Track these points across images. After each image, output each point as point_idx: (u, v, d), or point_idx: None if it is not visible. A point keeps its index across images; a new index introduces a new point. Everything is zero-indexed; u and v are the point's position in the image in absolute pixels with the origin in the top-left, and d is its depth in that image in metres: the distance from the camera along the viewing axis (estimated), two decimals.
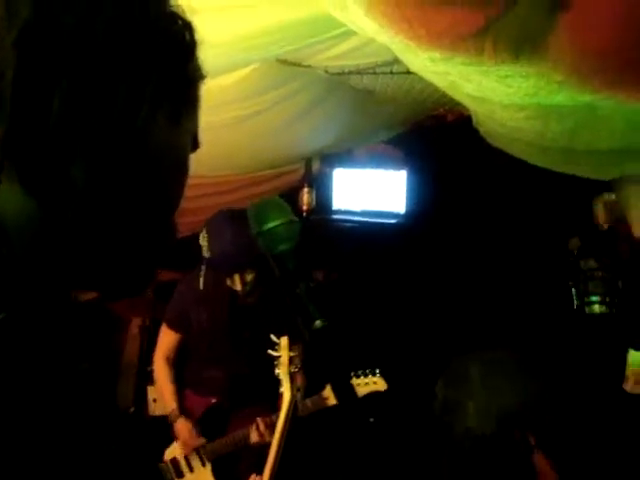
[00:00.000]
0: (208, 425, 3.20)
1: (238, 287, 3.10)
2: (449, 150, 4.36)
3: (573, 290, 3.10)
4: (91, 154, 0.63)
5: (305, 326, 0.90)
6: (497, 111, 2.47)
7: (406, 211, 4.45)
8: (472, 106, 2.82)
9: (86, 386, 0.68)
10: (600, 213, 3.33)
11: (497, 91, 1.92)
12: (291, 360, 2.22)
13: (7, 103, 0.58)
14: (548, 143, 3.02)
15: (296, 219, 0.98)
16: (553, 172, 3.55)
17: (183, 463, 3.17)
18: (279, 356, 2.24)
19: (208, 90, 2.65)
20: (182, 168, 0.75)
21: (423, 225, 4.41)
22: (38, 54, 0.59)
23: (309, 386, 3.07)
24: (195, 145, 0.78)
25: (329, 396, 2.98)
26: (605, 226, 3.28)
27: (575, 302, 3.08)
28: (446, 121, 4.13)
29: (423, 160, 4.47)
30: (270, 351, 2.27)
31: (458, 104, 3.32)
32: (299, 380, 2.25)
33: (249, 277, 3.09)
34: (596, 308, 2.99)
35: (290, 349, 2.24)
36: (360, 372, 3.00)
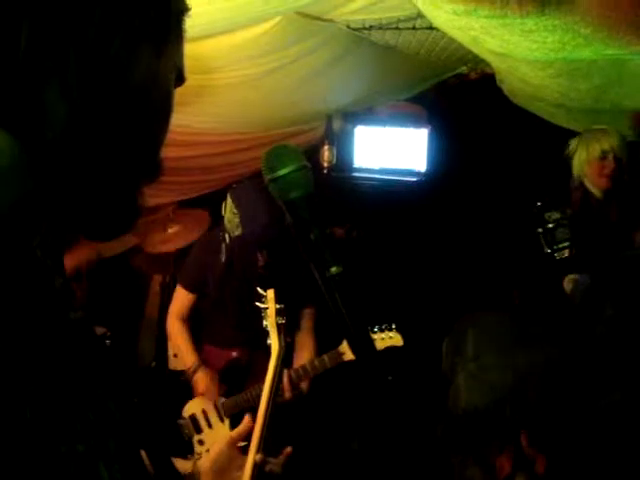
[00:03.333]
0: (226, 381, 3.22)
1: (262, 261, 3.06)
2: (471, 108, 4.30)
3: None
4: (67, 82, 0.61)
5: (320, 273, 0.90)
6: (521, 68, 2.43)
7: (427, 169, 4.41)
8: (495, 63, 2.78)
9: (78, 335, 0.67)
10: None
11: (521, 47, 1.88)
12: (278, 312, 2.22)
13: None
14: (573, 103, 2.98)
15: (309, 165, 0.96)
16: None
17: (202, 419, 3.20)
18: (266, 308, 2.25)
19: (229, 46, 2.63)
20: (166, 101, 0.73)
21: (444, 183, 4.38)
22: None
23: (325, 342, 3.08)
24: (180, 79, 0.76)
25: (346, 351, 2.99)
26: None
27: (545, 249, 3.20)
28: (469, 79, 4.07)
29: (445, 118, 4.42)
30: (257, 303, 2.27)
31: (481, 62, 3.27)
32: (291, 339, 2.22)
33: (275, 251, 3.01)
34: (566, 253, 3.17)
35: (277, 301, 2.24)
36: (376, 327, 3.00)
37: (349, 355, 2.95)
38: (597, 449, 1.41)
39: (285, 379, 2.89)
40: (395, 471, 3.49)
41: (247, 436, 1.51)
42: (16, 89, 0.60)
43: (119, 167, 0.69)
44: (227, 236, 3.08)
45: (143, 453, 0.76)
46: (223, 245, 3.11)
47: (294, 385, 2.95)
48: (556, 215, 3.17)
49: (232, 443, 1.44)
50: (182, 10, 0.73)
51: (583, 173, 3.26)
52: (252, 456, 1.49)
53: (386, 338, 2.99)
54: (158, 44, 0.68)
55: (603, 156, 3.16)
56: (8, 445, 0.53)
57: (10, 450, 0.53)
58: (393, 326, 3.02)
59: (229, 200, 3.03)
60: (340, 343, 3.00)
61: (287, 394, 2.88)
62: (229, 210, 3.01)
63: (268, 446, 1.53)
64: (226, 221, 3.05)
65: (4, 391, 0.54)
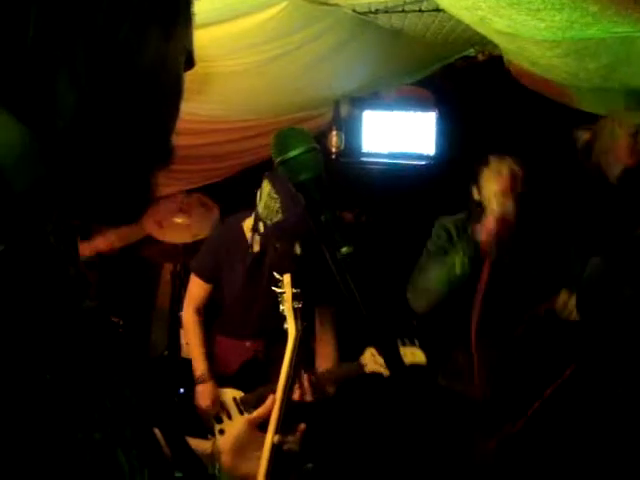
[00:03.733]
0: (246, 375, 3.21)
1: (298, 251, 3.01)
2: (479, 90, 4.28)
3: None
4: (76, 70, 0.61)
5: (331, 255, 0.90)
6: (529, 48, 2.41)
7: (435, 153, 4.40)
8: (503, 44, 2.75)
9: (92, 323, 0.67)
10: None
11: (528, 26, 1.87)
12: (294, 296, 2.21)
13: None
14: (582, 83, 2.95)
15: (317, 146, 0.96)
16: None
17: (222, 411, 3.20)
18: (283, 292, 2.25)
19: (235, 32, 2.62)
20: (176, 85, 0.73)
21: (452, 166, 4.36)
22: None
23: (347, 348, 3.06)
24: (190, 63, 0.76)
25: (368, 362, 2.96)
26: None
27: None
28: (476, 61, 4.04)
29: (452, 101, 4.40)
30: (274, 288, 2.27)
31: (489, 43, 3.24)
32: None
33: (310, 243, 2.96)
34: None
35: (293, 286, 2.24)
36: (399, 341, 2.93)
37: (371, 366, 2.94)
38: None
39: (306, 383, 2.88)
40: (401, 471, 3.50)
41: (267, 417, 1.53)
42: (25, 78, 0.59)
43: (131, 152, 0.68)
44: (262, 225, 3.01)
45: (158, 432, 0.77)
46: (256, 235, 3.04)
47: (316, 388, 2.93)
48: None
49: (252, 423, 1.46)
50: None
51: (609, 148, 3.19)
52: (270, 436, 1.50)
53: (408, 354, 2.93)
54: (167, 27, 0.68)
55: (636, 131, 3.11)
56: (26, 433, 0.53)
57: (27, 438, 0.53)
58: (416, 341, 2.98)
59: (266, 185, 2.95)
60: (362, 353, 2.99)
61: (308, 397, 2.85)
62: (266, 195, 2.93)
63: (285, 426, 1.54)
64: (261, 208, 2.97)
65: (20, 379, 0.54)
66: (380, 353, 2.63)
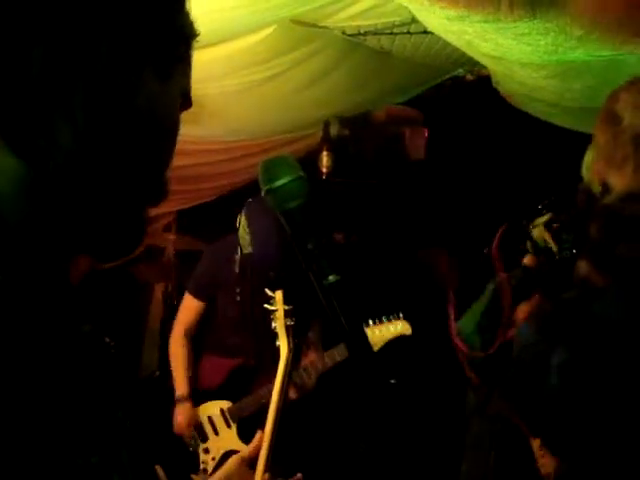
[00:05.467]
0: (233, 386, 3.21)
1: (272, 277, 2.99)
2: (468, 110, 4.31)
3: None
4: (74, 110, 0.63)
5: (318, 282, 0.91)
6: (516, 70, 2.44)
7: (426, 170, 4.41)
8: (490, 65, 2.79)
9: (89, 348, 0.68)
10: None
11: (515, 50, 1.90)
12: (286, 313, 2.21)
13: None
14: (568, 103, 2.99)
15: (304, 175, 0.97)
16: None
17: (207, 426, 3.19)
18: (275, 310, 2.25)
19: (225, 55, 2.64)
20: (172, 125, 0.74)
21: (443, 185, 4.39)
22: (14, 11, 0.60)
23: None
24: (187, 103, 0.78)
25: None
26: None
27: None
28: (465, 81, 4.08)
29: (442, 121, 4.43)
30: (266, 305, 2.27)
31: (477, 64, 3.28)
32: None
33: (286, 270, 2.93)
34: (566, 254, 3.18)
35: (285, 303, 2.24)
36: (383, 317, 2.97)
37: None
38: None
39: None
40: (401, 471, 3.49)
41: (258, 455, 1.50)
42: (24, 114, 0.62)
43: (125, 189, 0.70)
44: (240, 250, 3.07)
45: (160, 470, 0.77)
46: (237, 256, 3.10)
47: (299, 387, 2.95)
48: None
49: (243, 461, 1.44)
50: (190, 36, 0.74)
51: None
52: (260, 476, 1.49)
53: (393, 328, 2.98)
54: (163, 70, 0.69)
55: None
56: (28, 458, 0.54)
57: (30, 463, 0.54)
58: (400, 315, 3.00)
59: (243, 217, 3.01)
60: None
61: (292, 395, 2.86)
62: (242, 227, 3.01)
63: (276, 462, 1.52)
64: (240, 236, 3.04)
65: (20, 405, 0.55)
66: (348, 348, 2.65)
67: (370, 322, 2.97)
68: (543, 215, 2.80)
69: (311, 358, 3.08)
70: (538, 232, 3.10)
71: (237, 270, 3.10)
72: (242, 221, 3.01)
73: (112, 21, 0.64)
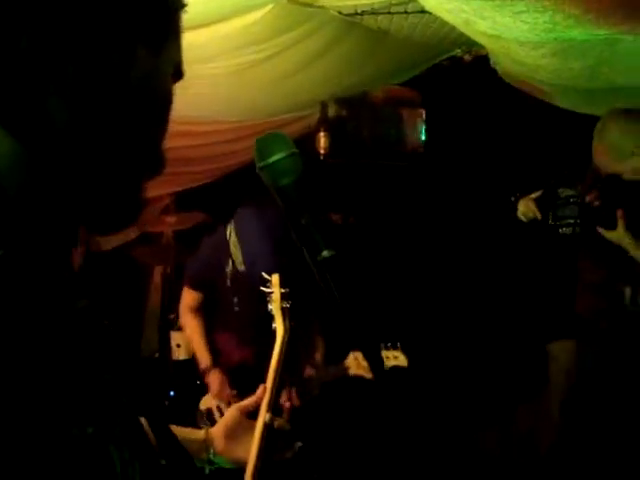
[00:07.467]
0: (240, 380, 3.23)
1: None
2: (466, 90, 4.30)
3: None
4: (66, 87, 0.64)
5: (312, 258, 0.92)
6: (514, 49, 2.43)
7: (424, 152, 4.40)
8: (488, 45, 2.77)
9: (84, 322, 0.69)
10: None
11: (512, 28, 1.89)
12: (283, 296, 2.23)
13: None
14: (567, 82, 2.97)
15: (297, 151, 0.98)
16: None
17: (217, 413, 3.22)
18: (271, 292, 2.26)
19: (221, 35, 2.62)
20: (165, 98, 0.75)
21: (441, 166, 4.38)
22: None
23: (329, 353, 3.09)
24: (178, 75, 0.78)
25: (351, 366, 2.99)
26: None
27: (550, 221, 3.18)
28: (463, 62, 4.06)
29: (440, 101, 4.42)
30: (262, 288, 2.29)
31: (475, 44, 3.26)
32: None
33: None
34: (567, 230, 3.17)
35: (281, 286, 2.25)
36: (381, 345, 2.96)
37: (354, 370, 2.96)
38: None
39: (293, 394, 2.89)
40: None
41: (256, 407, 1.55)
42: (16, 92, 0.63)
43: (121, 163, 0.71)
44: (232, 262, 3.07)
45: (144, 421, 0.79)
46: (228, 269, 3.10)
47: (303, 394, 2.96)
48: (568, 192, 3.15)
49: (243, 411, 1.49)
50: (179, 7, 0.74)
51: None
52: (262, 416, 1.53)
53: (391, 357, 2.99)
54: (155, 44, 0.70)
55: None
56: (24, 429, 0.55)
57: (26, 434, 0.55)
58: (398, 345, 3.02)
59: (233, 230, 3.02)
60: (346, 357, 3.01)
61: (296, 402, 2.87)
62: (232, 242, 3.02)
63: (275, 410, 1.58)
64: (231, 250, 3.05)
65: (17, 379, 0.56)
66: (364, 355, 2.64)
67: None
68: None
69: (313, 370, 3.09)
70: (523, 205, 3.15)
71: (229, 284, 3.12)
72: (232, 235, 3.02)
73: None
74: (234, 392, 3.19)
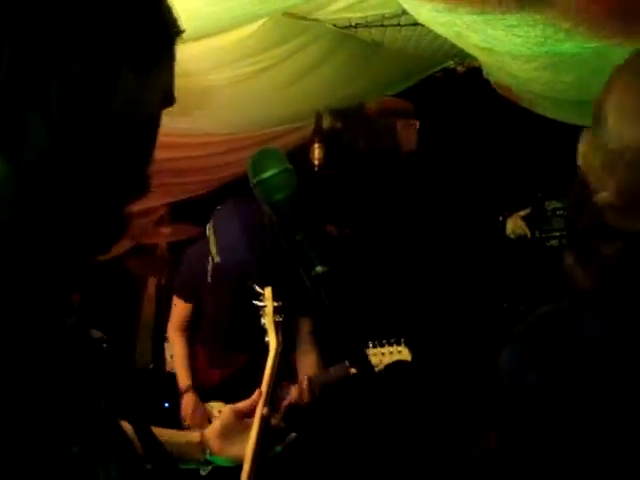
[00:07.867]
0: (230, 390, 3.20)
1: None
2: (459, 102, 4.32)
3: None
4: (49, 106, 0.63)
5: (306, 273, 0.92)
6: (506, 62, 2.45)
7: (417, 162, 4.42)
8: (481, 57, 2.79)
9: (73, 340, 0.69)
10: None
11: (505, 41, 1.90)
12: (275, 310, 2.22)
13: None
14: (559, 94, 2.99)
15: (291, 166, 0.98)
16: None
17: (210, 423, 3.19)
18: (264, 306, 2.26)
19: (215, 47, 2.63)
20: (149, 124, 0.74)
21: (434, 177, 4.40)
22: None
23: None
24: (169, 101, 0.77)
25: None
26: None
27: (536, 234, 3.19)
28: (456, 73, 4.08)
29: (433, 112, 4.44)
30: (255, 302, 2.28)
31: (468, 56, 3.28)
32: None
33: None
34: (555, 242, 3.17)
35: (274, 299, 2.25)
36: (385, 341, 2.98)
37: (355, 369, 2.95)
38: None
39: (305, 386, 2.89)
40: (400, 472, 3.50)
41: (250, 410, 1.55)
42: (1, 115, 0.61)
43: (103, 185, 0.70)
44: (211, 259, 3.05)
45: (128, 425, 0.78)
46: (209, 266, 3.08)
47: (311, 392, 2.95)
48: (555, 204, 3.17)
49: (237, 413, 1.49)
50: (174, 35, 0.74)
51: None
52: (260, 411, 1.54)
53: (394, 352, 2.98)
54: (144, 69, 0.69)
55: None
56: (15, 447, 0.55)
57: (17, 452, 0.55)
58: (402, 340, 3.02)
59: (210, 225, 3.01)
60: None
61: (305, 398, 2.87)
62: (210, 236, 2.99)
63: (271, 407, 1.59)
64: (209, 245, 3.03)
65: (8, 397, 0.56)
66: (351, 362, 2.67)
67: (370, 345, 2.98)
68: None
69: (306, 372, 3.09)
70: (512, 223, 3.16)
71: (210, 280, 3.11)
72: (210, 230, 2.99)
73: (88, 17, 0.64)
74: (207, 416, 3.17)
